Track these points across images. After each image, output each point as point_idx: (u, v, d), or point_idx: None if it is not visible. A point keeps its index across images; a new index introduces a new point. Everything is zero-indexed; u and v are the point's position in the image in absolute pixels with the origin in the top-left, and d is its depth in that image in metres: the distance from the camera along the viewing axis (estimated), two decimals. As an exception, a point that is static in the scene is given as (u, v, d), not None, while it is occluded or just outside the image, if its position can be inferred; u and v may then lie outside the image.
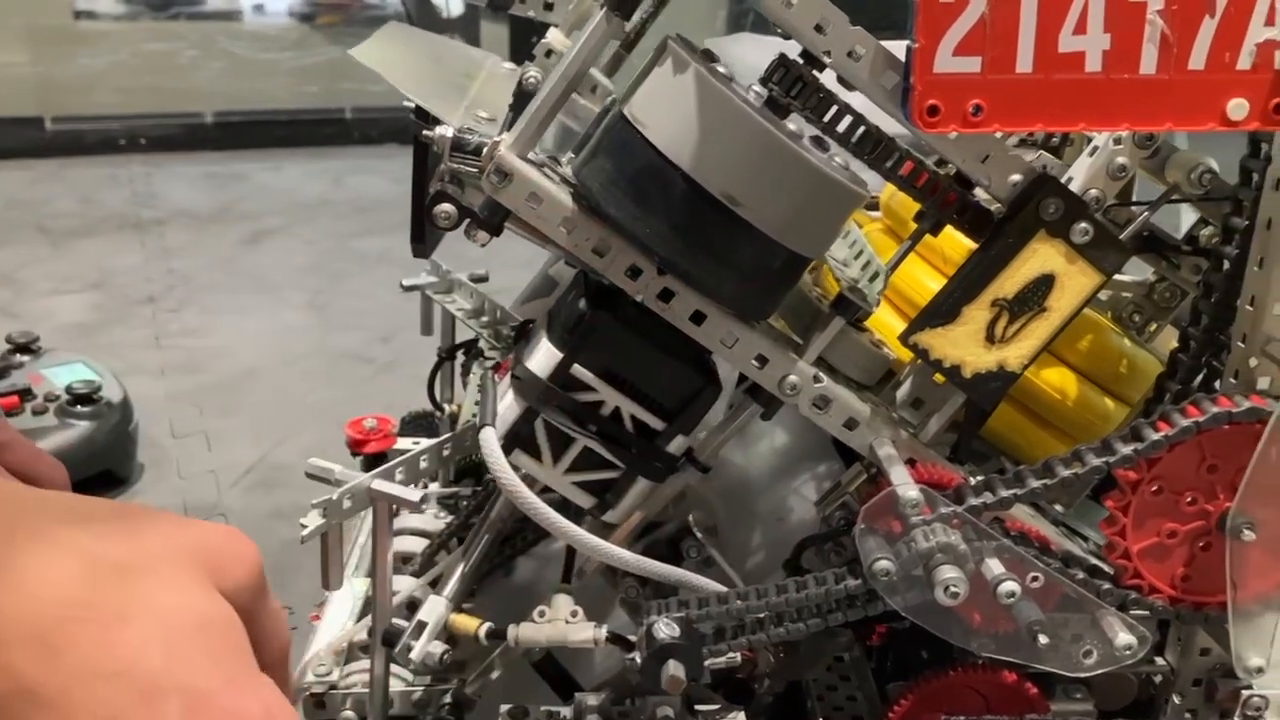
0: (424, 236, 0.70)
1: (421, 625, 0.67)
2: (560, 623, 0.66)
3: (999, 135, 0.59)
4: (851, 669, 0.77)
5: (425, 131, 0.62)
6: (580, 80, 0.58)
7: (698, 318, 0.61)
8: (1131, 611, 0.65)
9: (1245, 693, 0.70)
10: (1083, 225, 0.60)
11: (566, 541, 0.63)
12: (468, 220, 0.60)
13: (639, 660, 0.60)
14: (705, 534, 0.70)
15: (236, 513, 1.49)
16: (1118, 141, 0.64)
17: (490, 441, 0.61)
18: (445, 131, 0.61)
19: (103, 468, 1.45)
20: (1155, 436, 0.61)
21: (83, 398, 1.48)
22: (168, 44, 3.89)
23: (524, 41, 3.66)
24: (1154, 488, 0.63)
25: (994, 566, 0.62)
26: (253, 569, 0.41)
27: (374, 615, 0.68)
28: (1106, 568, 0.65)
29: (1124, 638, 0.62)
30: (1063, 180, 0.63)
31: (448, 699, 0.72)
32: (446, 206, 0.60)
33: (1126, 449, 0.61)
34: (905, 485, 0.60)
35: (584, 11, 0.86)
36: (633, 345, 0.61)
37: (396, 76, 0.63)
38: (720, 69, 0.59)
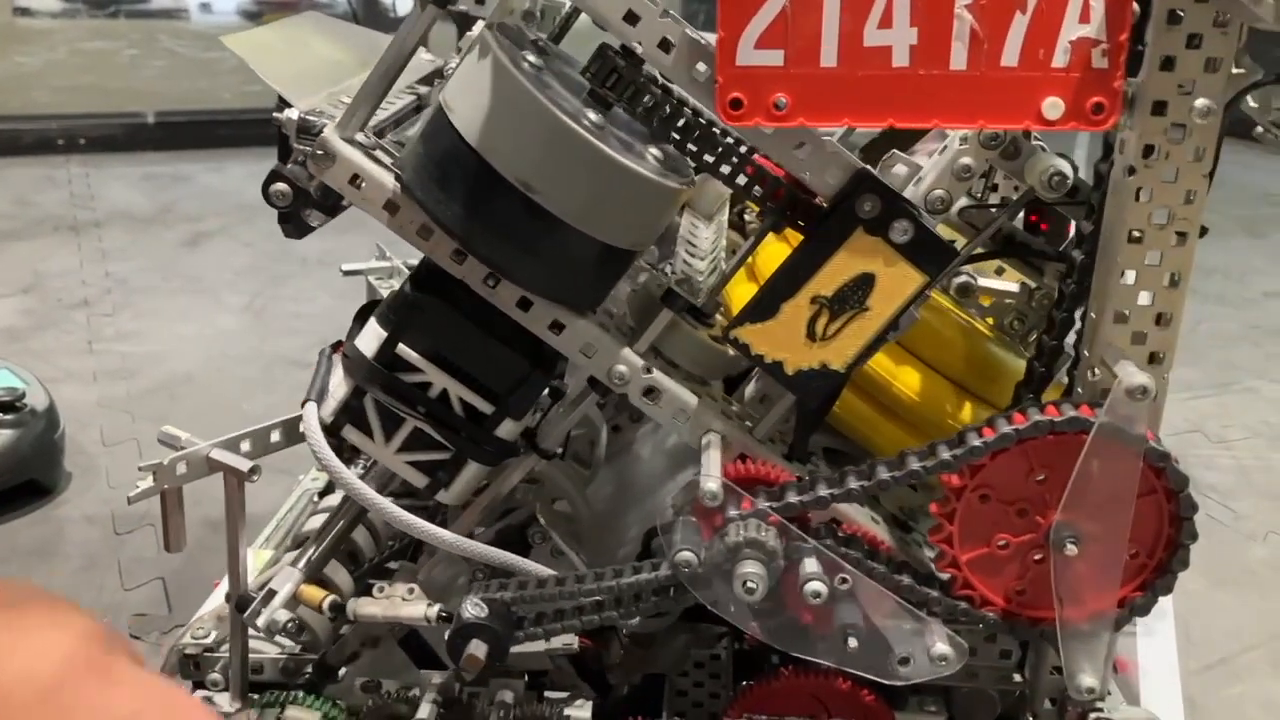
0: (290, 218, 0.72)
1: (271, 593, 0.69)
2: (396, 599, 0.67)
3: (821, 131, 0.59)
4: (719, 668, 0.76)
5: (274, 114, 0.64)
6: (399, 68, 0.60)
7: (524, 304, 0.62)
8: (963, 624, 0.64)
9: (1093, 715, 0.67)
10: (902, 224, 0.59)
11: (385, 519, 0.64)
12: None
13: (446, 636, 0.62)
14: (554, 523, 0.70)
15: (166, 522, 1.45)
16: (964, 141, 0.62)
17: (310, 416, 0.63)
18: (291, 114, 0.63)
19: (27, 477, 1.38)
20: (975, 443, 0.59)
21: (5, 405, 1.39)
22: (108, 42, 3.84)
23: None
24: (980, 495, 0.61)
25: (809, 566, 0.61)
26: None
27: (229, 582, 0.70)
28: (942, 577, 0.64)
29: (939, 648, 0.61)
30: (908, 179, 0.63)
31: (308, 667, 0.74)
32: (281, 186, 0.62)
33: (947, 454, 0.60)
34: (708, 477, 0.59)
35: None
36: (458, 328, 0.62)
37: (259, 63, 0.65)
38: (545, 60, 0.60)
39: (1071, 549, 0.59)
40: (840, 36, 0.55)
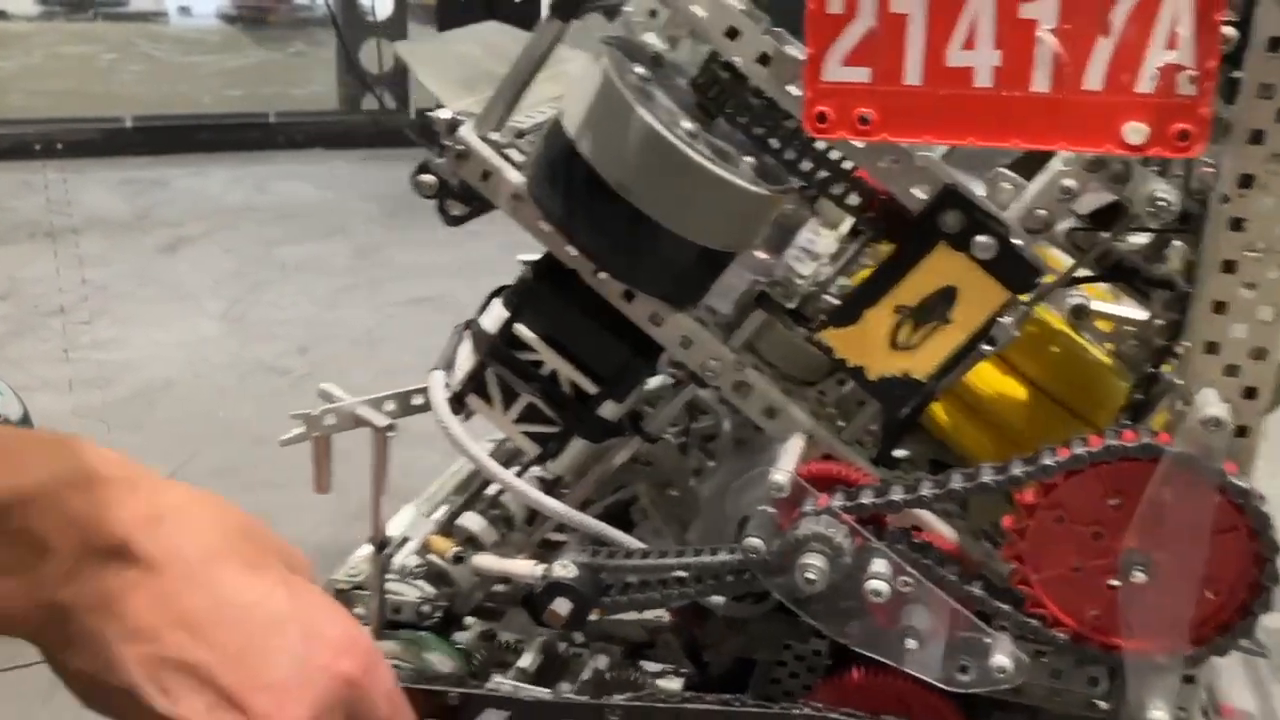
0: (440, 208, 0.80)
1: (405, 540, 0.77)
2: (510, 558, 0.74)
3: (909, 146, 0.61)
4: (815, 661, 0.79)
5: (428, 113, 0.72)
6: (530, 73, 0.66)
7: (628, 295, 0.67)
8: (1033, 641, 0.64)
9: (1176, 749, 0.66)
10: (985, 240, 0.60)
11: (494, 481, 0.71)
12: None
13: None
14: (657, 504, 0.75)
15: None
16: (1067, 162, 0.63)
17: (435, 383, 0.70)
18: (442, 115, 0.71)
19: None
20: (1047, 461, 0.60)
21: (-22, 414, 1.38)
22: (86, 46, 3.85)
23: None
24: (1055, 515, 0.61)
25: (875, 566, 0.63)
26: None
27: (371, 527, 0.79)
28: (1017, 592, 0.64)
29: (999, 660, 0.61)
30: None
31: (438, 613, 0.82)
32: (427, 177, 0.70)
33: (1018, 470, 0.61)
34: (779, 471, 0.63)
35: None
36: (569, 314, 0.68)
37: (421, 67, 0.74)
38: (657, 72, 0.65)
39: (1140, 576, 0.59)
40: (924, 56, 0.57)
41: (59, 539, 0.45)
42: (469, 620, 0.83)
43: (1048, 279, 0.67)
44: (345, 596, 0.86)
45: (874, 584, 0.62)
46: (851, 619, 0.64)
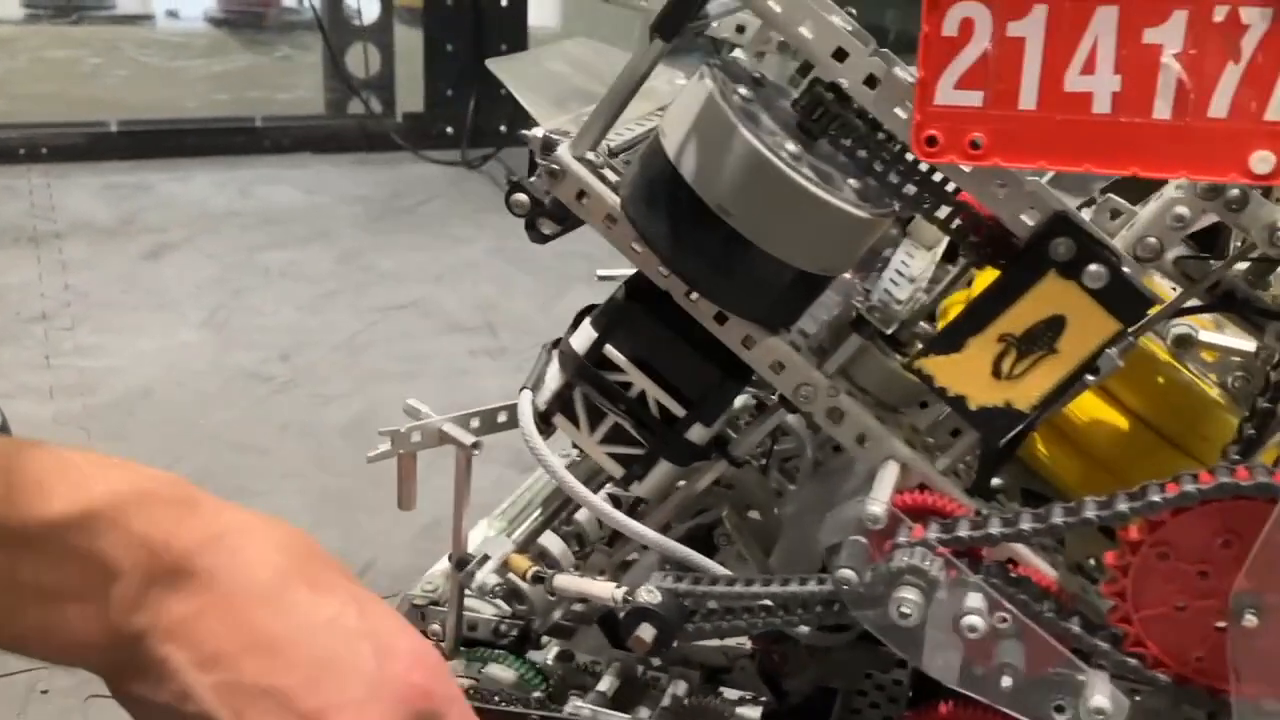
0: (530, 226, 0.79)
1: (485, 558, 0.76)
2: (589, 578, 0.73)
3: (1022, 171, 0.60)
4: (897, 693, 0.77)
5: (523, 132, 0.71)
6: (629, 93, 0.65)
7: (720, 318, 0.66)
8: (1133, 681, 0.62)
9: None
10: (1096, 269, 0.58)
11: (577, 501, 0.70)
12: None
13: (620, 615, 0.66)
14: (740, 529, 0.74)
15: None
16: (1180, 189, 0.61)
17: (524, 403, 0.69)
18: (536, 133, 0.70)
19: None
20: (1154, 497, 0.58)
21: (-46, 421, 1.42)
22: (71, 50, 3.79)
23: (438, 50, 3.34)
24: (1160, 552, 0.60)
25: (971, 601, 0.61)
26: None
27: (453, 544, 0.78)
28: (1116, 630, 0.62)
29: (1098, 700, 0.59)
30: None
31: (514, 631, 0.81)
32: (520, 196, 0.69)
33: (1124, 505, 0.59)
34: (874, 501, 0.61)
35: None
36: (658, 334, 0.67)
37: (516, 85, 0.73)
38: (758, 92, 0.64)
39: (1251, 620, 0.57)
40: (1040, 80, 0.55)
41: (126, 561, 0.45)
42: (546, 640, 0.83)
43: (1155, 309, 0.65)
44: (420, 612, 0.85)
45: (969, 619, 0.60)
46: (945, 653, 0.63)
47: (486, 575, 0.75)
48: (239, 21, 4.40)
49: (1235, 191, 0.62)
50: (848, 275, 0.78)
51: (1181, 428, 0.68)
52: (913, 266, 0.74)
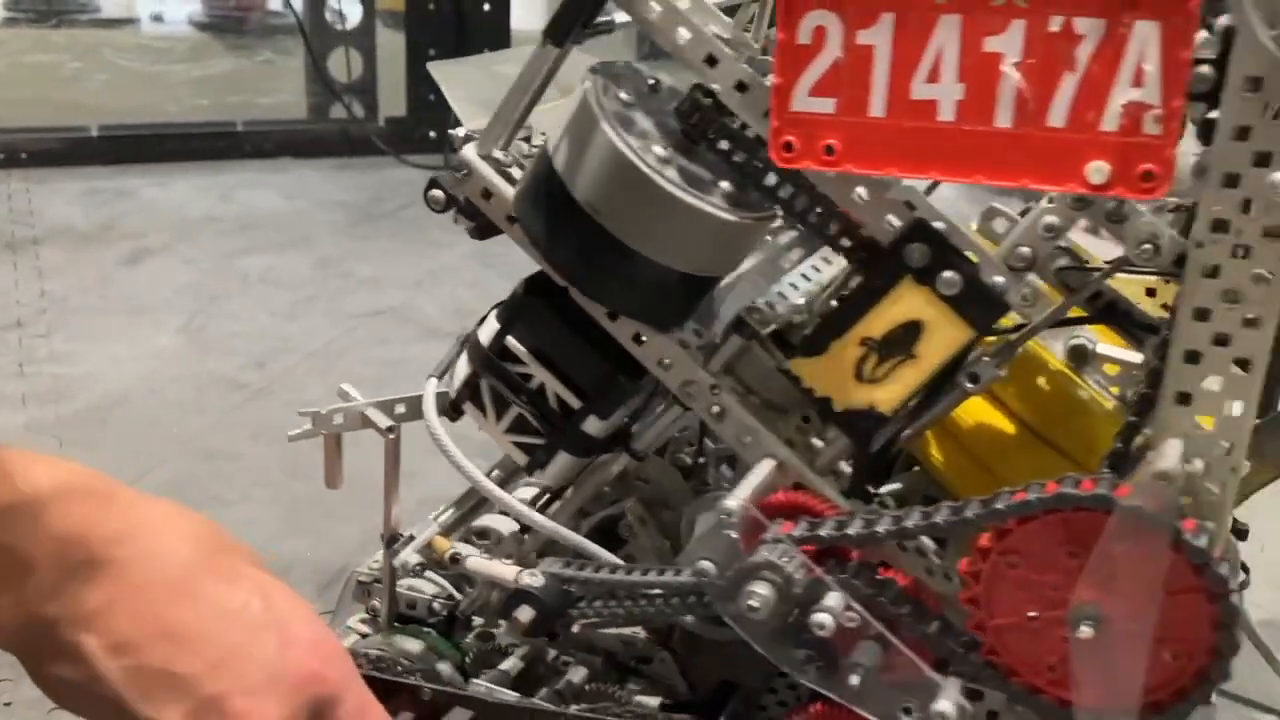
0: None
1: (411, 538, 0.80)
2: (498, 561, 0.76)
3: (882, 177, 0.60)
4: (802, 691, 0.78)
5: (449, 131, 0.75)
6: (528, 95, 0.68)
7: (613, 315, 0.68)
8: (992, 688, 0.62)
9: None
10: (948, 275, 0.59)
11: (474, 486, 0.73)
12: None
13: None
14: (640, 520, 0.76)
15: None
16: (1051, 199, 0.61)
17: (429, 390, 0.73)
18: (458, 133, 0.74)
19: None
20: (999, 505, 0.58)
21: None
22: (51, 55, 3.73)
23: (421, 54, 3.23)
24: (1009, 561, 0.60)
25: (828, 600, 0.62)
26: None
27: (384, 524, 0.82)
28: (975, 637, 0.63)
29: (942, 705, 0.60)
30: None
31: (444, 613, 0.84)
32: (436, 192, 0.73)
33: (971, 512, 0.59)
34: (733, 497, 0.63)
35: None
36: (557, 329, 0.69)
37: (447, 85, 0.77)
38: (649, 98, 0.66)
39: (1087, 631, 0.57)
40: (889, 88, 0.56)
41: (41, 555, 0.49)
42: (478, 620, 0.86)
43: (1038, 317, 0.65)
44: (366, 588, 0.89)
45: (818, 617, 0.61)
46: (801, 650, 0.64)
47: (408, 555, 0.79)
48: (222, 25, 4.36)
49: (1112, 203, 0.62)
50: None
51: (1070, 439, 0.67)
52: (825, 272, 0.75)
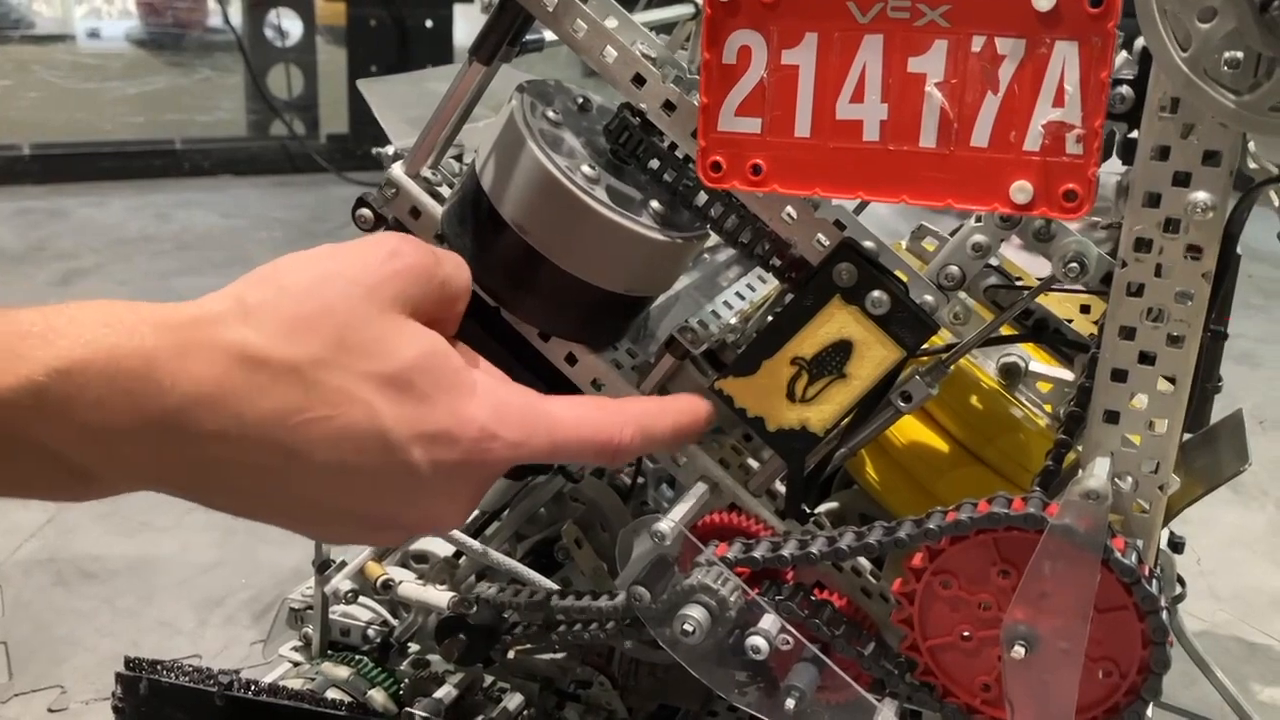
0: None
1: (344, 564, 0.79)
2: (431, 587, 0.75)
3: (809, 196, 0.60)
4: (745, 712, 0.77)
5: (374, 150, 0.74)
6: (454, 114, 0.67)
7: (545, 336, 0.67)
8: (928, 709, 0.62)
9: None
10: (876, 295, 0.59)
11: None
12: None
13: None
14: (576, 542, 0.75)
15: (15, 583, 1.32)
16: (979, 219, 0.61)
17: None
18: (387, 150, 0.73)
19: None
20: (931, 525, 0.58)
21: None
22: None
23: (363, 70, 3.24)
24: (942, 581, 0.59)
25: (763, 623, 0.62)
26: (418, 273, 0.50)
27: (315, 550, 0.81)
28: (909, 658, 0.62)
29: (877, 726, 0.60)
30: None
31: (378, 639, 0.83)
32: (364, 212, 0.71)
33: (904, 532, 0.59)
34: (665, 519, 0.62)
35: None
36: (489, 349, 0.68)
37: (375, 101, 0.76)
38: (579, 117, 0.65)
39: (1020, 651, 0.56)
40: (814, 108, 0.56)
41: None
42: (413, 647, 0.84)
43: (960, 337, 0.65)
44: (298, 615, 0.88)
45: (753, 640, 0.61)
46: (737, 674, 0.63)
47: (340, 581, 0.77)
48: (161, 42, 4.27)
49: (1040, 222, 0.62)
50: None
51: (1002, 456, 0.67)
52: (759, 290, 0.75)
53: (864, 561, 0.67)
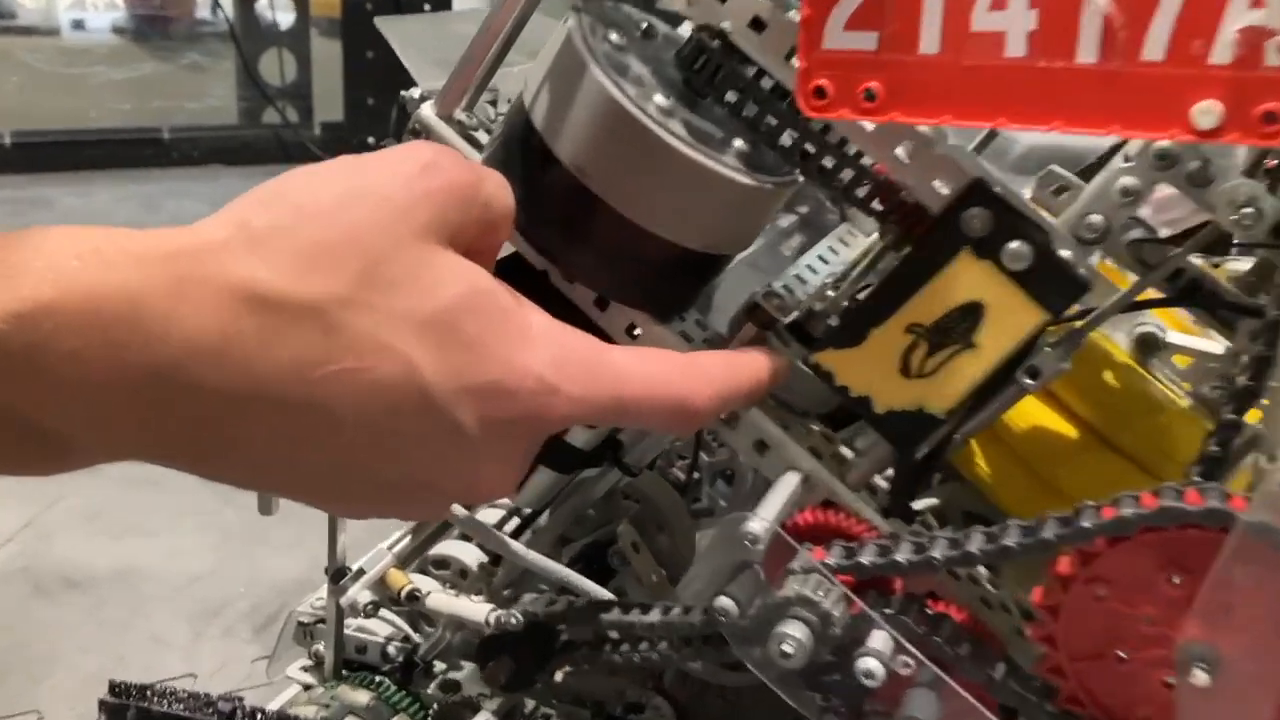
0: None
1: (361, 572, 0.69)
2: (464, 599, 0.64)
3: (928, 129, 0.50)
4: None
5: (402, 93, 0.64)
6: (492, 49, 0.57)
7: (601, 303, 0.57)
8: (1069, 742, 0.52)
9: None
10: (1016, 247, 0.49)
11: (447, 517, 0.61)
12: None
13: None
14: (634, 546, 0.65)
15: (-10, 589, 1.27)
16: (1128, 158, 0.51)
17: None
18: (412, 93, 0.63)
19: None
20: (1085, 523, 0.48)
21: None
22: None
23: (358, 58, 3.09)
24: (1096, 592, 0.50)
25: (873, 641, 0.52)
26: (459, 193, 0.41)
27: (328, 555, 0.71)
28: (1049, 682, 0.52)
29: (1017, 765, 0.50)
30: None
31: (400, 658, 0.73)
32: (386, 163, 0.62)
33: (1049, 532, 0.49)
34: (755, 517, 0.52)
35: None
36: (534, 323, 0.58)
37: (398, 42, 0.66)
38: (643, 44, 0.55)
39: (1201, 676, 0.47)
40: (944, 18, 0.46)
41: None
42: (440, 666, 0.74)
43: (1108, 300, 0.56)
44: (307, 630, 0.78)
45: (866, 663, 0.51)
46: (845, 703, 0.53)
47: (357, 591, 0.67)
48: (147, 31, 4.15)
49: (1195, 164, 0.52)
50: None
51: (1141, 443, 0.58)
52: (843, 254, 0.65)
53: (981, 568, 0.58)
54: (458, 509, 0.60)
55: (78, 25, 4.37)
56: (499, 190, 0.44)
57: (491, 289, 0.41)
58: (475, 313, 0.39)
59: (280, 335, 0.34)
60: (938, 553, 0.52)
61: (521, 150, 0.53)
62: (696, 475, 0.76)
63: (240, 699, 0.69)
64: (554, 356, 0.42)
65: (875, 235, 0.68)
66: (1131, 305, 0.56)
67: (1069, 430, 0.59)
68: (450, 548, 0.78)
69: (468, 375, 0.39)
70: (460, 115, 0.60)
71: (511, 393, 0.40)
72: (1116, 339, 0.60)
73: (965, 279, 0.50)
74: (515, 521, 0.72)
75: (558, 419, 0.42)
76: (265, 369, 0.34)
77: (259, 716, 0.67)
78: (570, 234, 0.53)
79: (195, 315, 0.33)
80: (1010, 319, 0.50)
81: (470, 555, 0.77)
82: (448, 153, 0.42)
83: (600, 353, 0.44)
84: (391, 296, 0.37)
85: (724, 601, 0.52)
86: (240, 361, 0.34)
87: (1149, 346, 0.60)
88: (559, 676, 0.65)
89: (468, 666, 0.74)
